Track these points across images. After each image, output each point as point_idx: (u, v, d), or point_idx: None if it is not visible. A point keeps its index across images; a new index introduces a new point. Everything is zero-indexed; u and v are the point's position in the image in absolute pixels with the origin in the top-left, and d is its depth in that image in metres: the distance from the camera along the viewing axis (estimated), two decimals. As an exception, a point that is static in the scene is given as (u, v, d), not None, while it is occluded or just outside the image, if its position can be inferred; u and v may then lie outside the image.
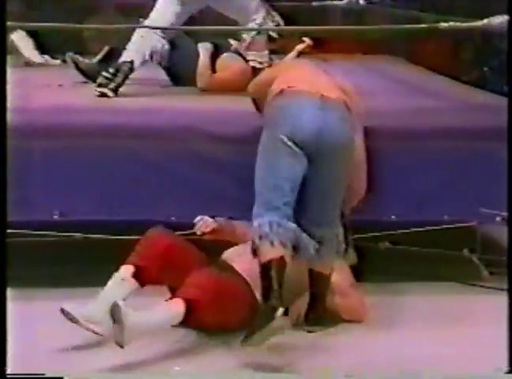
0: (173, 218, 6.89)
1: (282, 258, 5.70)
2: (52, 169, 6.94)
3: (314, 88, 5.98)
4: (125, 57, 8.58)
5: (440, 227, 7.15)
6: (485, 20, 7.48)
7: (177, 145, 6.95)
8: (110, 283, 6.04)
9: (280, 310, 5.60)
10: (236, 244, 6.52)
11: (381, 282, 6.89)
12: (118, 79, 8.52)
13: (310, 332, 6.01)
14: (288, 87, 5.93)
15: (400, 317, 6.44)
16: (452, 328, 6.29)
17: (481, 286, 7.20)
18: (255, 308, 5.85)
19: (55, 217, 6.96)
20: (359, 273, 6.50)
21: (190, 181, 6.86)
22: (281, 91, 5.92)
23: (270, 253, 5.67)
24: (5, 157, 4.97)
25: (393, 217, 6.91)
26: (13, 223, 6.55)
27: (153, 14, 8.73)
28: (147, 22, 8.78)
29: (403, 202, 6.93)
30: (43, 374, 4.95)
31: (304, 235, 5.91)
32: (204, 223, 6.40)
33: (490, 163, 7.08)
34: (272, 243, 5.68)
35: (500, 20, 7.36)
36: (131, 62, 8.51)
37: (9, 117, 6.38)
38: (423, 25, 8.57)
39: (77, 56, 9.41)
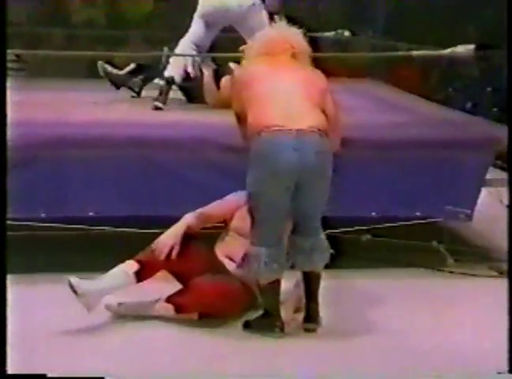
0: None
1: (278, 280, 5.70)
2: (89, 174, 6.75)
3: (290, 122, 5.50)
4: (168, 72, 8.39)
5: (413, 222, 7.00)
6: (450, 49, 7.64)
7: (192, 153, 6.76)
8: (114, 270, 5.83)
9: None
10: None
11: (363, 268, 6.75)
12: (165, 92, 8.43)
13: (311, 331, 5.74)
14: (265, 126, 5.46)
15: (378, 297, 6.30)
16: (423, 305, 6.16)
17: (447, 271, 7.01)
18: (249, 299, 5.87)
19: (90, 214, 6.78)
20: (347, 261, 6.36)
21: (202, 184, 6.67)
22: (259, 134, 5.47)
23: (268, 278, 5.59)
24: (5, 157, 4.38)
25: (373, 213, 6.82)
26: (53, 219, 6.70)
27: (187, 37, 8.40)
28: (184, 41, 8.40)
29: (382, 201, 6.84)
30: (43, 374, 4.43)
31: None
32: (159, 248, 5.94)
33: (454, 168, 7.00)
34: (270, 270, 5.57)
35: (462, 49, 7.44)
36: (172, 78, 8.34)
37: (50, 130, 6.84)
38: (398, 53, 8.61)
39: (107, 65, 9.08)
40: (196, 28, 8.50)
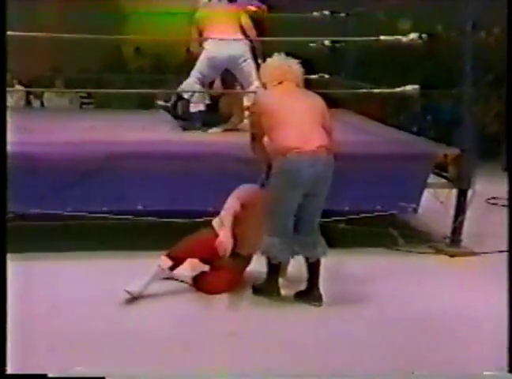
0: (210, 208, 6.76)
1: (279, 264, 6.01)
2: (138, 179, 7.16)
3: (306, 144, 5.71)
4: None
5: (375, 214, 7.29)
6: (400, 88, 7.99)
7: (209, 163, 7.14)
8: (153, 269, 6.05)
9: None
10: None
11: (339, 248, 6.63)
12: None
13: (317, 305, 5.96)
14: (288, 149, 5.65)
15: (350, 268, 6.68)
16: (383, 274, 6.60)
17: (398, 250, 7.46)
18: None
19: (139, 208, 7.21)
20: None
21: (218, 184, 6.86)
22: (284, 155, 5.67)
23: (278, 260, 5.97)
24: (5, 157, 4.21)
25: (346, 208, 7.11)
26: (105, 212, 7.07)
27: (194, 74, 8.65)
28: (190, 79, 8.64)
29: (353, 198, 7.10)
30: (43, 374, 4.22)
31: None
32: (224, 248, 6.04)
33: (405, 174, 7.29)
34: (281, 255, 5.92)
35: (410, 88, 7.97)
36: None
37: (111, 147, 7.34)
38: (363, 90, 8.90)
39: (160, 101, 9.57)
40: (201, 67, 8.61)
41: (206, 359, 4.95)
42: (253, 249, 6.28)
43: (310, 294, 6.04)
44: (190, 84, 8.62)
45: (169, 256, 6.10)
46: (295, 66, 6.10)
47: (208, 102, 9.10)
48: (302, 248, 5.98)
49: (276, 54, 6.34)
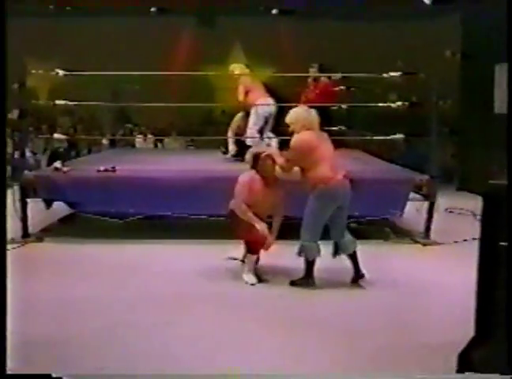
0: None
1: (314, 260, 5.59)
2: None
3: (336, 174, 5.49)
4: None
5: (375, 218, 7.25)
6: (391, 136, 7.96)
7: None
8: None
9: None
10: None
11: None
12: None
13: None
14: (328, 179, 5.40)
15: (362, 252, 5.87)
16: (381, 258, 6.38)
17: (391, 241, 7.34)
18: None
19: (223, 213, 6.55)
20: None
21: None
22: (326, 183, 5.40)
23: (313, 257, 5.57)
24: (5, 156, 3.45)
25: (357, 213, 6.70)
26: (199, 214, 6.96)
27: (252, 126, 8.37)
28: (251, 130, 8.34)
29: (361, 207, 6.65)
30: (43, 374, 3.40)
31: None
32: (269, 243, 5.69)
33: (394, 192, 7.14)
34: (315, 254, 5.55)
35: (398, 136, 7.91)
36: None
37: (206, 174, 7.30)
38: (366, 137, 9.10)
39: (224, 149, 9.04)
40: (255, 120, 8.33)
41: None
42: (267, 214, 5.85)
43: (357, 276, 5.71)
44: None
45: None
46: (315, 116, 5.71)
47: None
48: (343, 249, 5.69)
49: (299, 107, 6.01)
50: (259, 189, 5.74)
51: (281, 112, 7.60)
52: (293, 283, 5.64)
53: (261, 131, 8.50)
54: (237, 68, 8.83)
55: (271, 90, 8.68)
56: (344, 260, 5.78)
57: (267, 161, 5.77)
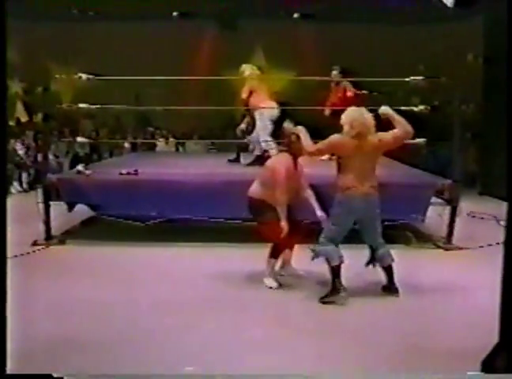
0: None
1: (339, 265, 5.37)
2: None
3: (360, 185, 5.29)
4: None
5: (399, 222, 7.07)
6: (413, 141, 7.47)
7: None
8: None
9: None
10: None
11: None
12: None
13: (397, 296, 5.52)
14: (347, 188, 5.25)
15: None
16: (403, 261, 5.90)
17: (412, 246, 7.28)
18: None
19: (243, 215, 6.59)
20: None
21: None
22: (343, 192, 5.28)
23: (337, 262, 5.33)
24: (5, 156, 3.35)
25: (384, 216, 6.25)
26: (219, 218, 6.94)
27: (264, 129, 8.32)
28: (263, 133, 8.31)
29: (385, 212, 5.81)
30: (43, 374, 3.40)
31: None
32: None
33: (417, 197, 7.10)
34: (338, 259, 5.34)
35: (420, 140, 7.60)
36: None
37: (225, 177, 7.33)
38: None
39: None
40: (264, 125, 8.27)
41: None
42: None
43: (391, 288, 5.58)
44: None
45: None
46: (370, 119, 5.33)
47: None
48: (379, 260, 5.57)
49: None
50: (292, 173, 5.66)
51: (283, 117, 7.62)
52: (323, 300, 5.37)
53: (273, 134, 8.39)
54: (248, 69, 8.78)
55: (277, 94, 8.72)
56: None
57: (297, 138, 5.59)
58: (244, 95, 8.48)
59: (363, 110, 5.42)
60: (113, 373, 3.82)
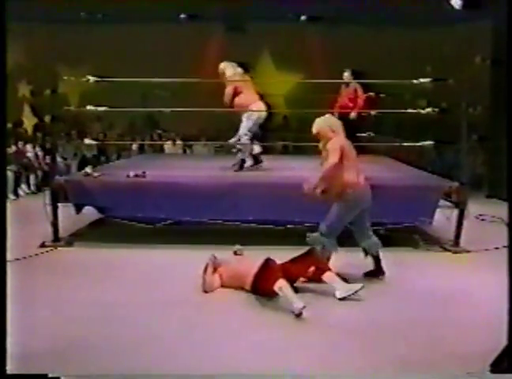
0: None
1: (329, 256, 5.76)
2: (251, 198, 6.99)
3: (360, 180, 5.71)
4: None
5: (405, 225, 7.12)
6: (420, 143, 7.82)
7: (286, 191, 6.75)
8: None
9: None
10: None
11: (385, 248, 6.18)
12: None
13: (382, 278, 5.89)
14: (354, 185, 5.62)
15: (388, 260, 6.15)
16: (409, 264, 6.46)
17: (420, 249, 7.24)
18: None
19: (250, 218, 7.00)
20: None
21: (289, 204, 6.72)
22: (353, 188, 5.61)
23: (334, 251, 5.77)
24: (5, 156, 3.48)
25: (387, 220, 6.90)
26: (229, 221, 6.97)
27: (245, 130, 7.95)
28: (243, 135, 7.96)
29: (391, 215, 6.87)
30: (44, 374, 3.35)
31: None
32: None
33: (424, 199, 7.06)
34: (335, 249, 5.76)
35: (427, 143, 7.75)
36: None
37: (232, 179, 7.37)
38: (395, 143, 9.08)
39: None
40: (249, 127, 7.93)
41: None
42: None
43: (378, 272, 5.95)
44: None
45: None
46: (339, 121, 5.96)
47: None
48: (369, 248, 5.92)
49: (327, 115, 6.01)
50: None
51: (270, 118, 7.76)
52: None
53: (252, 138, 8.15)
54: (228, 68, 8.18)
55: (262, 94, 8.34)
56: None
57: None
58: (227, 99, 7.90)
59: (327, 116, 5.96)
60: (113, 373, 3.81)
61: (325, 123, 5.81)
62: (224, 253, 5.90)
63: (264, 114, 8.12)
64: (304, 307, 4.87)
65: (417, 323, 4.87)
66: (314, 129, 5.82)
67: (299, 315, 4.84)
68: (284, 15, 12.47)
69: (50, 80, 9.89)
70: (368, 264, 6.10)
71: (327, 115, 6.03)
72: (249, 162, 8.35)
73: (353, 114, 8.95)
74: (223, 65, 8.22)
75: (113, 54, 13.36)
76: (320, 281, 5.46)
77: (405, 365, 4.04)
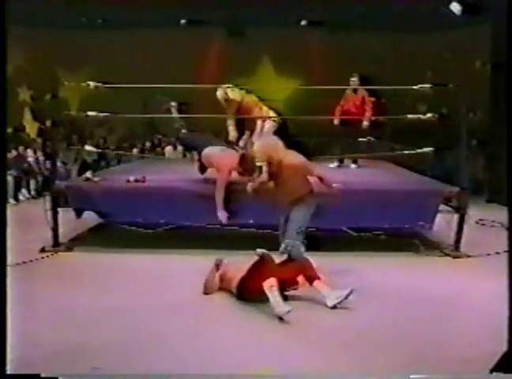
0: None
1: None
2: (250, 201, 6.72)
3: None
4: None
5: (404, 230, 7.16)
6: (421, 150, 7.88)
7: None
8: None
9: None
10: None
11: (380, 252, 6.77)
12: None
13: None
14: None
15: (387, 265, 6.48)
16: (409, 269, 6.48)
17: (420, 254, 7.20)
18: None
19: (251, 222, 6.99)
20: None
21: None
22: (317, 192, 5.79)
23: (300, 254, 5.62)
24: (5, 156, 3.28)
25: (387, 225, 6.95)
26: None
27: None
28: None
29: (391, 219, 6.92)
30: (43, 374, 3.34)
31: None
32: None
33: (424, 204, 7.06)
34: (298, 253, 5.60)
35: (427, 149, 7.82)
36: None
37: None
38: (395, 153, 8.99)
39: None
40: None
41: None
42: None
43: None
44: None
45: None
46: (279, 141, 6.01)
47: None
48: (289, 250, 5.65)
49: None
50: None
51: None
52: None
53: None
54: (228, 92, 8.41)
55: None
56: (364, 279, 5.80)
57: None
58: (231, 111, 8.27)
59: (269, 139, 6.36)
60: (113, 373, 3.82)
61: (261, 146, 5.97)
62: (229, 258, 5.84)
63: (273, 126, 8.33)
64: (289, 311, 4.85)
65: (417, 327, 4.85)
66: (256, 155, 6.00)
67: (282, 319, 4.82)
68: (285, 20, 12.44)
69: (50, 84, 9.91)
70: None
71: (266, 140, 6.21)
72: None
73: (366, 123, 8.92)
74: (222, 91, 8.44)
75: (114, 59, 13.34)
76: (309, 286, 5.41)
77: (405, 369, 4.04)
